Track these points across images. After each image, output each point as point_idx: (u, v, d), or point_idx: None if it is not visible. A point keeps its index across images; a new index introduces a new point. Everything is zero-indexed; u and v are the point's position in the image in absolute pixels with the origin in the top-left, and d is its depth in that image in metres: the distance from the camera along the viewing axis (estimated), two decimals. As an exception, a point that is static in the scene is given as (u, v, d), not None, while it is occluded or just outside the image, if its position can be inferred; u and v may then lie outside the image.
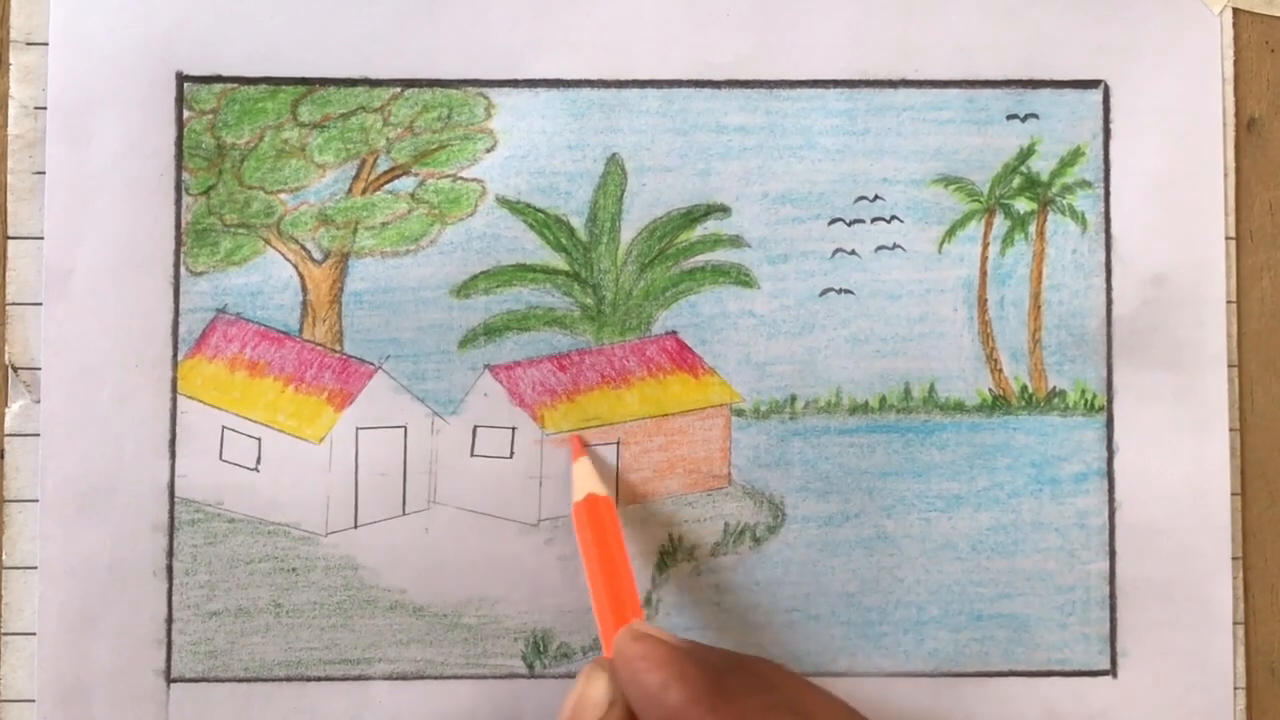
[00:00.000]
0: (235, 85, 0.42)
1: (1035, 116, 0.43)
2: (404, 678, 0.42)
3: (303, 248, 0.42)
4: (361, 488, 0.42)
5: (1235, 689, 0.42)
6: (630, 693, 0.36)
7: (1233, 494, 0.42)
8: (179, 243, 0.42)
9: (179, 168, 0.42)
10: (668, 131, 0.43)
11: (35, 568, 0.41)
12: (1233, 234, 0.43)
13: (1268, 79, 0.44)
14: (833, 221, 0.43)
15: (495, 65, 0.42)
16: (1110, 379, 0.43)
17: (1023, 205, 0.43)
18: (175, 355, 0.42)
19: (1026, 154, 0.43)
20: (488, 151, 0.42)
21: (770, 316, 0.43)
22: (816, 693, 0.37)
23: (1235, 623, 0.42)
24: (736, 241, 0.43)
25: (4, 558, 0.41)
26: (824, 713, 0.36)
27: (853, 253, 0.43)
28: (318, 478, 0.42)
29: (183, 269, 0.42)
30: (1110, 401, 0.43)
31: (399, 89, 0.42)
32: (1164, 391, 0.43)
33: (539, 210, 0.42)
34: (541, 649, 0.42)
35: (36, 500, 0.41)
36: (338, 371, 0.42)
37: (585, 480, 0.41)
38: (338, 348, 0.42)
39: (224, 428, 0.42)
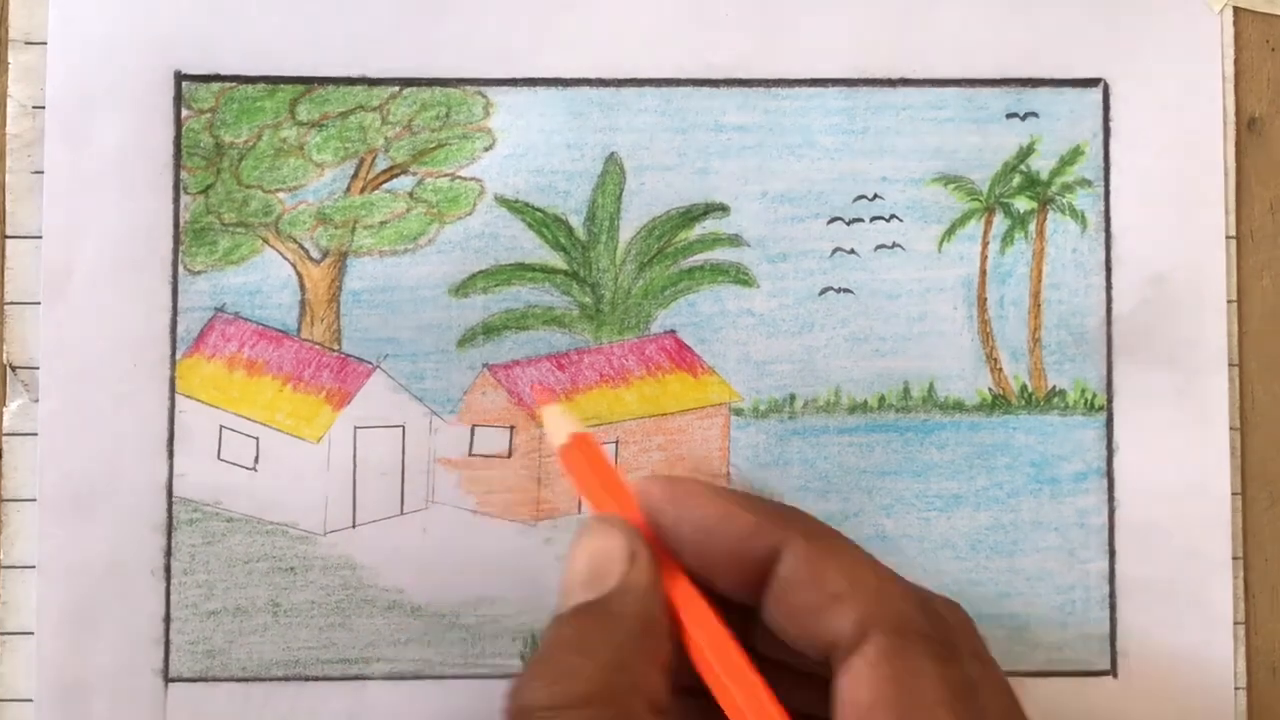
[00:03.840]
0: (233, 84, 0.42)
1: (1035, 115, 0.43)
2: (402, 677, 0.42)
3: (301, 247, 0.42)
4: (360, 487, 0.42)
5: (1236, 689, 0.42)
6: (684, 533, 0.33)
7: (1233, 493, 0.42)
8: (177, 242, 0.42)
9: (177, 167, 0.42)
10: (666, 130, 0.43)
11: (33, 567, 0.41)
12: (1233, 233, 0.43)
13: (1268, 78, 0.43)
14: (832, 220, 0.43)
15: (494, 64, 0.42)
16: (1110, 378, 0.43)
17: (1022, 204, 0.43)
18: (173, 354, 0.42)
19: (1026, 153, 0.43)
20: (486, 150, 0.42)
21: (769, 315, 0.43)
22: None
23: (1236, 622, 0.42)
24: (735, 240, 0.43)
25: (2, 557, 0.41)
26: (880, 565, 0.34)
27: (852, 252, 0.43)
28: (316, 477, 0.42)
29: (181, 268, 0.42)
30: (1110, 401, 0.43)
31: (397, 88, 0.42)
32: (1164, 391, 0.43)
33: (537, 209, 0.42)
34: (540, 649, 0.42)
35: (35, 500, 0.41)
36: (336, 371, 0.42)
37: (560, 423, 0.37)
38: (336, 347, 0.42)
39: (222, 427, 0.42)
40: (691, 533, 0.33)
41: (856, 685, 0.31)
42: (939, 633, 0.32)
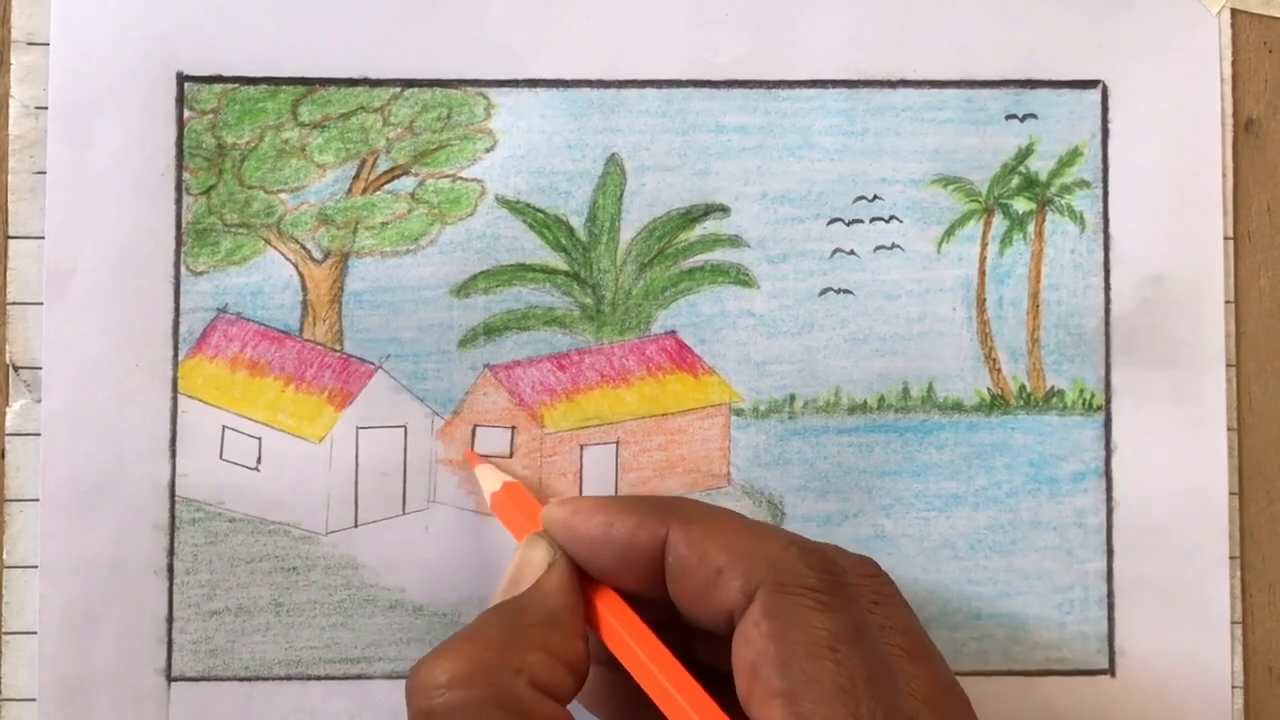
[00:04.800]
0: (236, 85, 0.42)
1: (1034, 116, 0.43)
2: (404, 677, 0.41)
3: (303, 247, 0.42)
4: (362, 487, 0.42)
5: (1233, 688, 0.42)
6: (578, 547, 0.36)
7: (1230, 493, 0.43)
8: (179, 242, 0.42)
9: (179, 167, 0.42)
10: (667, 131, 0.43)
11: (36, 567, 0.41)
12: (1231, 234, 0.43)
13: (1266, 79, 0.44)
14: (832, 221, 0.43)
15: (495, 65, 0.43)
16: (1108, 378, 0.43)
17: (1021, 205, 0.43)
18: (176, 355, 0.42)
19: (1025, 154, 0.43)
20: (487, 151, 0.42)
21: (769, 316, 0.43)
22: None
23: (1233, 622, 0.42)
24: (735, 241, 0.43)
25: (5, 557, 0.41)
26: (764, 524, 0.37)
27: (851, 252, 0.43)
28: (318, 477, 0.42)
29: (183, 268, 0.42)
30: (1108, 401, 0.43)
31: (399, 89, 0.42)
32: (1162, 391, 0.43)
33: (538, 210, 0.42)
34: (541, 648, 0.42)
35: (37, 499, 0.41)
36: (338, 371, 0.42)
37: (490, 478, 0.41)
38: (338, 347, 0.42)
39: (224, 427, 0.42)
40: (585, 544, 0.36)
41: (743, 647, 0.33)
42: (825, 582, 0.34)
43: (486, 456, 0.42)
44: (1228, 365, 0.43)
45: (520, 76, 0.43)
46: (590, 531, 0.36)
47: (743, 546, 0.34)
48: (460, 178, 0.42)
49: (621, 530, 0.36)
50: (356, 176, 0.42)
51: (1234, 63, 0.43)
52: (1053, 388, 0.43)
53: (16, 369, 0.42)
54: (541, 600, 0.35)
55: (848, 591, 0.34)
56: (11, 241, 0.42)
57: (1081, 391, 0.43)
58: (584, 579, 0.37)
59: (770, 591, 0.33)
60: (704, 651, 0.37)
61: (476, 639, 0.34)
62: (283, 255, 0.42)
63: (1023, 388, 0.43)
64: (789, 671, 0.32)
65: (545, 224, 0.42)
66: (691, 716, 0.34)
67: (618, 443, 0.42)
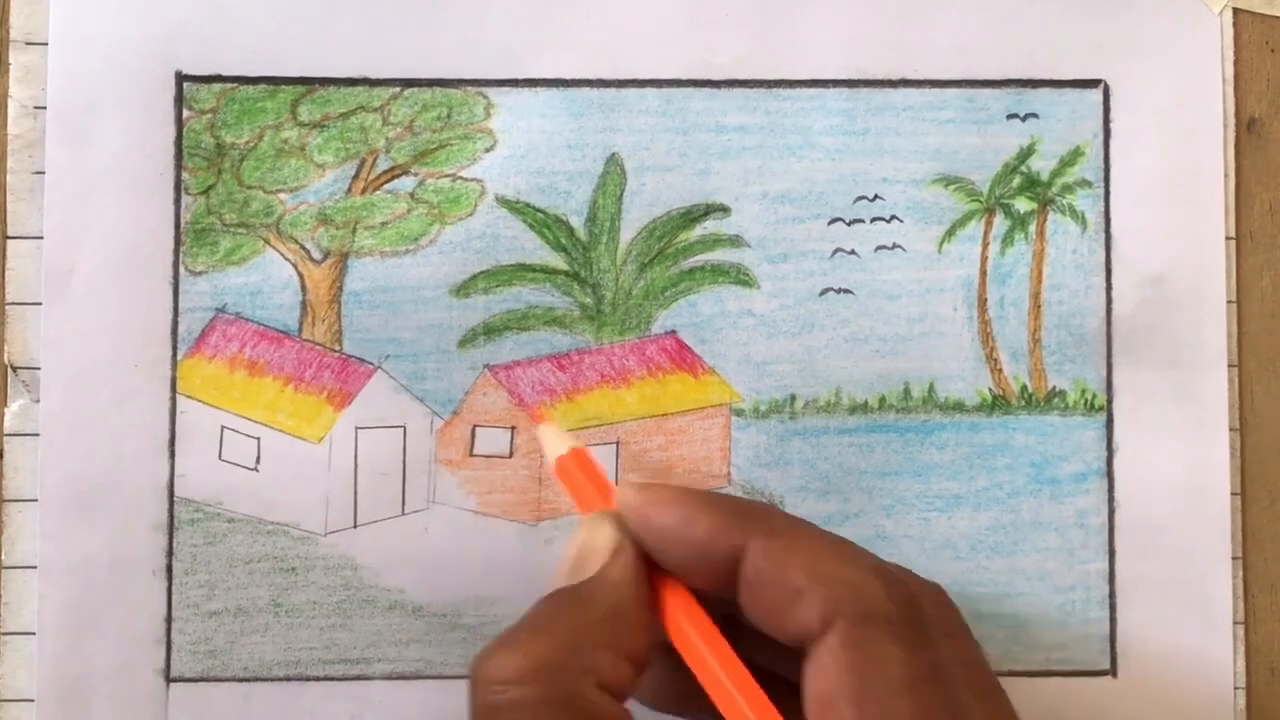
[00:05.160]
0: (235, 85, 0.42)
1: (1035, 116, 0.43)
2: (403, 677, 0.42)
3: (302, 247, 0.42)
4: (361, 487, 0.42)
5: (1235, 689, 0.42)
6: (651, 538, 0.35)
7: (1232, 494, 0.42)
8: (178, 242, 0.42)
9: (178, 167, 0.42)
10: (667, 131, 0.43)
11: (35, 567, 0.41)
12: (1232, 234, 0.43)
13: (1268, 79, 0.43)
14: (832, 221, 0.43)
15: (495, 65, 0.42)
16: (1110, 379, 0.43)
17: (1022, 205, 0.43)
18: (175, 355, 0.42)
19: (1026, 154, 0.43)
20: (487, 151, 0.42)
21: (770, 316, 0.43)
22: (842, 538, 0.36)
23: (1235, 622, 0.42)
24: (736, 241, 0.43)
25: (3, 557, 0.41)
26: (851, 544, 0.35)
27: (852, 252, 0.43)
28: (317, 477, 0.42)
29: (182, 268, 0.42)
30: (1110, 401, 0.43)
31: (398, 89, 0.42)
32: (1164, 391, 0.43)
33: (538, 210, 0.42)
34: (541, 649, 0.42)
35: (36, 500, 0.41)
36: (337, 371, 0.42)
37: (554, 441, 0.40)
38: (337, 347, 0.42)
39: (223, 427, 0.42)
40: (659, 536, 0.35)
41: (819, 676, 0.32)
42: (905, 616, 0.33)
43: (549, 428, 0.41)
44: (1229, 365, 0.43)
45: (520, 76, 0.43)
46: (666, 524, 0.35)
47: (825, 569, 0.33)
48: (460, 177, 0.42)
49: (700, 530, 0.34)
50: (356, 176, 0.42)
51: (1236, 62, 0.43)
52: (1054, 388, 0.43)
53: (15, 369, 0.42)
54: (608, 591, 0.34)
55: (926, 626, 0.33)
56: (10, 241, 0.42)
57: (1083, 392, 0.43)
58: (651, 567, 0.35)
59: (851, 622, 0.32)
60: (764, 654, 0.35)
61: (544, 633, 0.33)
62: (282, 255, 0.42)
63: (1024, 388, 0.43)
64: (865, 708, 0.31)
65: (545, 224, 0.42)
66: None
67: (618, 443, 0.42)
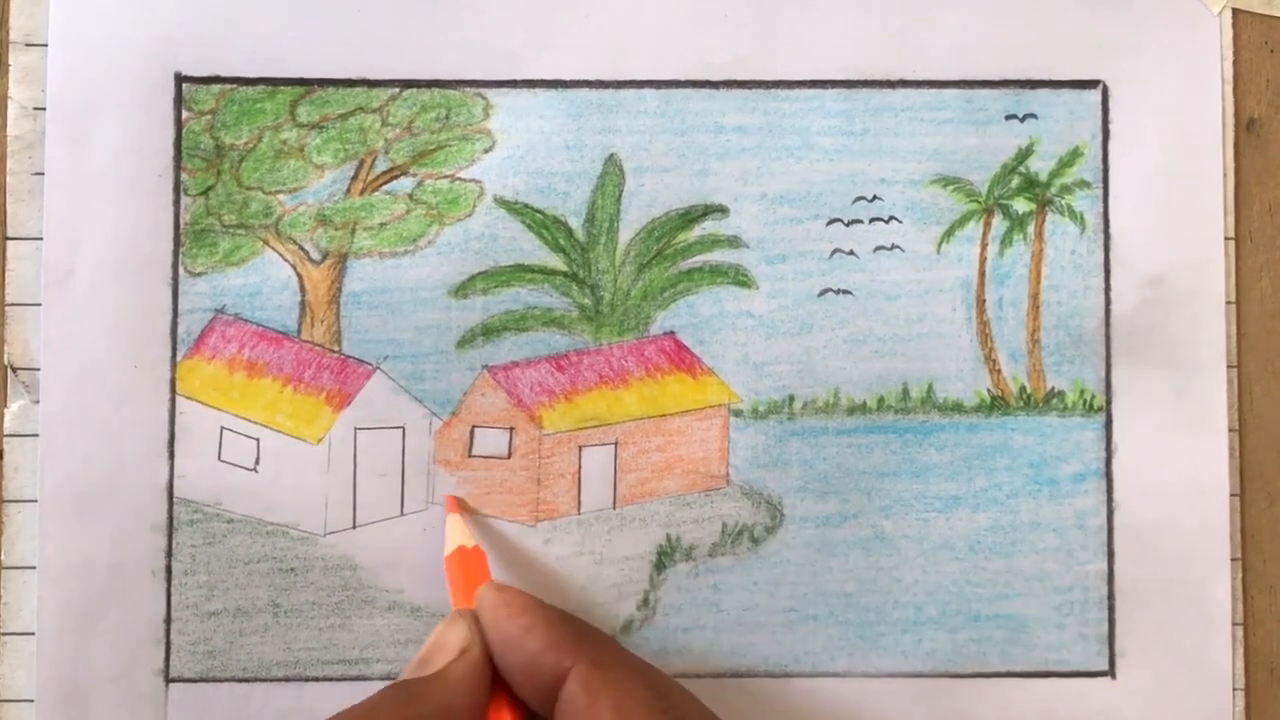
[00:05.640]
0: (234, 86, 0.42)
1: (1034, 117, 0.43)
2: (402, 678, 0.42)
3: (301, 248, 0.42)
4: (360, 488, 0.42)
5: (1234, 690, 0.42)
6: (493, 639, 0.36)
7: (1231, 494, 0.42)
8: (178, 243, 0.42)
9: (178, 168, 0.42)
10: (666, 132, 0.43)
11: (34, 568, 0.41)
12: (1232, 234, 0.43)
13: (1267, 79, 0.43)
14: (831, 222, 0.43)
15: (493, 66, 0.42)
16: (1109, 379, 0.43)
17: (1021, 205, 0.43)
18: (174, 356, 0.42)
19: (1025, 154, 0.43)
20: (486, 152, 0.42)
21: (768, 317, 0.43)
22: (664, 674, 0.37)
23: (1234, 623, 0.42)
24: (734, 242, 0.43)
25: (3, 558, 0.41)
26: (670, 686, 0.36)
27: (851, 253, 0.43)
28: (316, 478, 0.42)
29: (181, 269, 0.42)
30: (1109, 402, 0.43)
31: (397, 89, 0.42)
32: (1163, 392, 0.43)
33: (537, 211, 0.42)
34: (539, 649, 0.42)
35: (35, 500, 0.41)
36: (336, 372, 0.42)
37: (456, 534, 0.40)
38: (336, 348, 0.42)
39: (223, 428, 0.42)
40: (499, 642, 0.36)
41: None
42: None
43: (463, 503, 0.42)
44: (1229, 366, 0.43)
45: (519, 77, 0.43)
46: (508, 632, 0.35)
47: (632, 715, 0.34)
48: (459, 178, 0.42)
49: (535, 643, 0.35)
50: (355, 177, 0.42)
51: (1235, 63, 0.43)
52: (1053, 389, 0.43)
53: (15, 370, 0.42)
54: (443, 690, 0.35)
55: None
56: (10, 243, 0.42)
57: (1082, 392, 0.43)
58: (497, 675, 0.36)
59: None
60: None
61: None
62: (281, 256, 0.42)
63: (1023, 389, 0.43)
64: None
65: (544, 225, 0.42)
66: None
67: (616, 443, 0.42)
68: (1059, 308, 0.43)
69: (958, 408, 0.43)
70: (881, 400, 0.43)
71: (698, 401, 0.42)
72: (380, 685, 0.41)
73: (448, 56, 0.43)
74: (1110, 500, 0.42)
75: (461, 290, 0.42)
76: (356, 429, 0.42)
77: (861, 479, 0.42)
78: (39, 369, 0.41)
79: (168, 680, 0.41)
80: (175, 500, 0.42)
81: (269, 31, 0.42)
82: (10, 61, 0.42)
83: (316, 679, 0.41)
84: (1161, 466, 0.42)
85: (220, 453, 0.42)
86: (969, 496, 0.42)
